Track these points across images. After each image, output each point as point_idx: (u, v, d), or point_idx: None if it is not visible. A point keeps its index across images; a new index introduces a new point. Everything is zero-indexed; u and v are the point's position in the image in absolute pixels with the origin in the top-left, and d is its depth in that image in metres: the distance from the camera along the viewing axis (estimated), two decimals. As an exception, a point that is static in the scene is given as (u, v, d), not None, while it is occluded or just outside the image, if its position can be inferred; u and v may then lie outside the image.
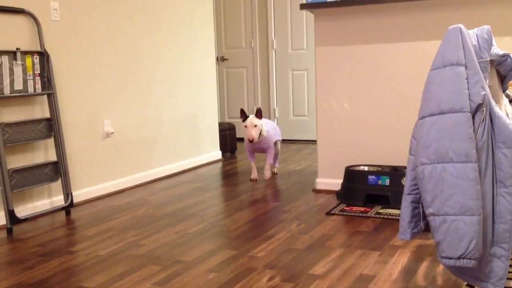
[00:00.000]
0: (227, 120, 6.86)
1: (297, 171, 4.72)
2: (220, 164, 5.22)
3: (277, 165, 4.63)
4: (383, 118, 3.76)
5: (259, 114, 4.17)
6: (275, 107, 6.63)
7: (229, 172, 4.81)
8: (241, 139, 6.73)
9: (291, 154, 5.64)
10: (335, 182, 3.88)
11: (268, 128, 4.31)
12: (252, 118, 4.14)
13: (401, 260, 2.52)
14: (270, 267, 2.48)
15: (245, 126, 4.12)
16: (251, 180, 4.34)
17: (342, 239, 2.84)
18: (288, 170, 4.80)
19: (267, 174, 4.31)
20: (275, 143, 4.44)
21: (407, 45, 3.65)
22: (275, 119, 6.66)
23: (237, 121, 6.72)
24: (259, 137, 4.14)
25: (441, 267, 2.40)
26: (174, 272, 2.44)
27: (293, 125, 6.57)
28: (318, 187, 3.98)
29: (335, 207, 3.47)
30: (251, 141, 4.07)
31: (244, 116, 4.17)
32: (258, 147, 4.26)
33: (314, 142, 6.26)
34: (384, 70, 3.73)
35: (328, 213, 3.33)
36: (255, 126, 4.09)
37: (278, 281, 2.31)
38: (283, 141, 6.61)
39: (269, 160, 4.34)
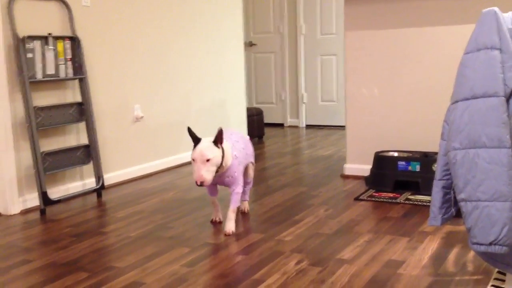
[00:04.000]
0: (254, 105, 6.85)
1: (325, 157, 4.70)
2: (248, 149, 5.23)
3: (247, 199, 3.14)
4: (414, 103, 3.71)
5: (219, 138, 2.60)
6: (303, 92, 6.59)
7: (257, 157, 4.82)
8: (270, 124, 6.73)
9: (319, 140, 5.61)
10: (363, 168, 3.85)
11: (235, 150, 2.79)
12: (204, 148, 2.55)
13: (430, 246, 2.49)
14: (298, 251, 2.48)
15: (193, 160, 2.56)
16: (212, 221, 2.94)
17: (370, 225, 2.82)
18: (316, 155, 4.79)
19: (229, 227, 2.74)
20: (246, 168, 3.01)
21: (440, 29, 3.57)
22: (303, 105, 6.62)
23: (265, 106, 6.72)
24: (218, 171, 2.64)
25: (471, 253, 2.37)
26: (203, 255, 2.47)
27: (321, 110, 6.53)
28: (346, 172, 3.95)
29: (364, 192, 3.44)
30: (200, 185, 2.54)
31: (193, 140, 2.63)
32: (219, 181, 2.78)
33: (342, 127, 6.22)
34: (415, 54, 3.67)
35: (357, 199, 3.32)
36: (208, 160, 2.54)
37: (305, 265, 2.31)
38: (310, 127, 6.58)
39: (233, 204, 2.78)
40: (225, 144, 2.69)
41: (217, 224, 2.90)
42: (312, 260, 2.36)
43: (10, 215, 3.21)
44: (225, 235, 2.71)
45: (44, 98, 3.43)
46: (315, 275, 2.21)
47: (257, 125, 5.75)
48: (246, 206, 3.14)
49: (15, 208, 3.26)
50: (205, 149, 2.55)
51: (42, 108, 3.33)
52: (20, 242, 2.74)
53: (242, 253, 2.49)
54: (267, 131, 6.26)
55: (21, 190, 3.30)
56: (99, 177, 3.62)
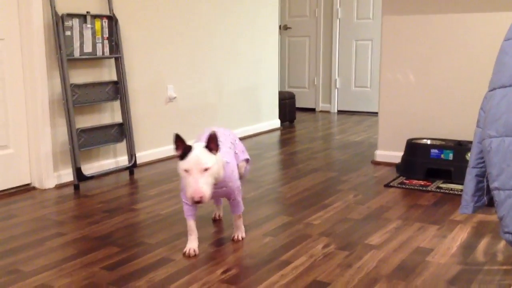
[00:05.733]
0: (287, 89, 6.83)
1: (356, 143, 4.67)
2: (278, 133, 5.24)
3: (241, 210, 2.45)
4: (449, 90, 3.63)
5: (213, 143, 2.11)
6: (337, 77, 6.53)
7: (287, 141, 4.82)
8: (301, 109, 6.70)
9: (351, 126, 5.57)
10: (395, 155, 3.81)
11: (226, 154, 2.29)
12: (201, 154, 2.07)
13: (460, 235, 2.46)
14: (326, 234, 2.49)
15: (186, 171, 2.06)
16: (185, 255, 2.27)
17: (400, 212, 2.80)
18: (347, 141, 4.76)
19: (239, 234, 2.45)
20: (241, 164, 2.50)
21: (479, 16, 3.48)
22: (336, 90, 6.56)
23: (297, 90, 6.69)
24: (216, 181, 2.17)
25: (502, 243, 2.33)
26: (231, 235, 2.50)
27: (354, 96, 6.47)
28: (377, 159, 3.92)
29: (394, 179, 3.41)
30: (197, 202, 2.04)
31: (181, 146, 2.11)
32: (215, 194, 2.25)
33: (374, 114, 6.15)
34: (453, 40, 3.58)
35: (387, 185, 3.29)
36: (206, 170, 2.06)
37: (333, 249, 2.32)
38: (342, 112, 6.52)
39: (237, 210, 2.41)
40: (219, 156, 2.18)
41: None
42: (340, 244, 2.36)
43: (45, 189, 3.30)
44: (233, 240, 2.43)
45: (80, 76, 3.49)
46: (342, 259, 2.21)
47: (288, 109, 5.73)
48: (220, 212, 2.74)
49: (50, 182, 3.35)
50: (202, 156, 2.05)
51: (79, 86, 3.39)
52: (54, 216, 2.82)
53: (270, 234, 2.50)
54: (299, 115, 6.24)
55: (56, 165, 3.39)
56: (132, 155, 3.69)
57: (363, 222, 2.65)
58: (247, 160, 2.54)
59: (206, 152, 2.08)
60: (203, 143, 2.12)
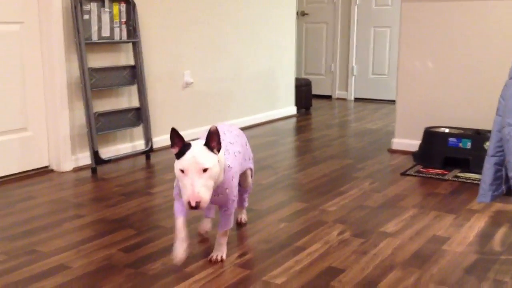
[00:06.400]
0: (303, 76, 6.80)
1: (372, 130, 4.64)
2: (294, 120, 5.22)
3: (245, 205, 2.47)
4: (468, 78, 3.59)
5: (213, 140, 1.82)
6: (354, 64, 6.48)
7: (303, 128, 4.81)
8: (317, 96, 6.67)
9: (367, 114, 5.53)
10: (412, 143, 3.78)
11: (228, 157, 2.00)
12: (199, 153, 1.78)
13: (477, 224, 2.44)
14: (341, 221, 2.48)
15: (181, 171, 1.78)
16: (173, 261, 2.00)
17: (416, 200, 2.78)
18: (364, 129, 4.73)
19: (219, 254, 2.08)
20: (244, 174, 2.26)
21: (499, 3, 3.42)
22: (353, 77, 6.51)
23: (313, 77, 6.65)
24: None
25: (520, 235, 2.31)
26: (247, 219, 2.51)
27: (372, 83, 6.41)
28: (394, 147, 3.89)
29: (411, 168, 3.39)
30: (194, 207, 1.74)
31: (179, 144, 1.82)
32: (212, 196, 1.92)
33: (392, 102, 6.09)
34: (473, 27, 3.53)
35: (403, 174, 3.27)
36: (205, 171, 1.77)
37: (348, 236, 2.32)
38: (359, 100, 6.48)
39: (226, 224, 2.08)
40: (221, 156, 1.89)
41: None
42: (355, 231, 2.36)
43: (63, 172, 3.34)
44: (211, 262, 2.05)
45: (98, 60, 3.51)
46: (357, 246, 2.21)
47: (304, 96, 5.71)
48: (243, 215, 2.48)
49: (68, 165, 3.38)
50: (201, 154, 1.77)
51: (96, 70, 3.41)
52: (72, 198, 2.85)
53: (285, 220, 2.51)
54: (315, 102, 6.20)
55: (74, 149, 3.42)
56: (148, 139, 3.71)
57: (378, 210, 2.64)
58: (250, 169, 2.29)
59: (205, 150, 1.79)
60: (203, 141, 1.83)
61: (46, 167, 3.38)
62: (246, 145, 2.24)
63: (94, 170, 3.35)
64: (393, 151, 3.85)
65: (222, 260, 2.07)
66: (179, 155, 1.79)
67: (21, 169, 3.25)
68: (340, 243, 2.24)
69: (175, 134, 1.80)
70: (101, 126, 3.45)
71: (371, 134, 4.48)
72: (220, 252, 2.09)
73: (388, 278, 1.93)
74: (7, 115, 3.15)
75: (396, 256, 2.11)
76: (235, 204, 2.07)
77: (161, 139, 4.01)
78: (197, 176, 1.75)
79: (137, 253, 2.15)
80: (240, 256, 2.12)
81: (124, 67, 3.59)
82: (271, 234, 2.34)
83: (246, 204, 2.49)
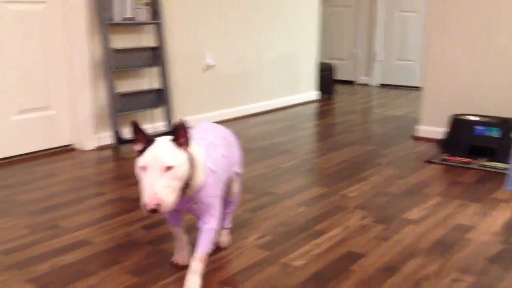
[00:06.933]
0: (326, 60, 6.71)
1: (396, 117, 4.57)
2: (316, 105, 5.17)
3: (227, 225, 2.03)
4: (498, 65, 3.49)
5: (181, 136, 1.58)
6: (378, 50, 6.37)
7: (325, 113, 4.76)
8: (339, 81, 6.59)
9: (391, 100, 5.44)
10: (437, 131, 3.71)
11: (210, 159, 1.72)
12: (161, 149, 1.53)
13: (503, 214, 2.38)
14: (362, 207, 2.45)
15: (141, 168, 1.53)
16: (172, 263, 1.89)
17: (440, 188, 2.73)
18: (387, 115, 4.66)
19: (191, 285, 1.68)
20: (231, 183, 1.96)
21: (534, -14, 3.31)
22: (377, 63, 6.41)
23: (336, 62, 6.56)
24: (184, 194, 1.62)
25: (547, 225, 2.25)
26: (265, 202, 2.49)
27: (396, 69, 6.31)
28: (418, 134, 3.82)
29: (436, 155, 3.33)
30: (153, 211, 1.48)
31: (142, 139, 1.57)
32: (183, 207, 1.71)
33: (416, 88, 5.99)
34: (502, 13, 3.42)
35: (428, 161, 3.21)
36: (168, 169, 1.51)
37: (369, 221, 2.28)
38: (383, 86, 6.38)
39: (204, 244, 1.71)
40: (195, 148, 1.64)
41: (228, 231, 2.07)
42: (377, 218, 2.33)
43: (85, 151, 3.36)
44: None
45: (121, 41, 3.50)
46: (378, 231, 2.18)
47: (327, 81, 5.63)
48: (225, 238, 2.01)
49: (90, 144, 3.40)
50: (163, 150, 1.51)
51: (119, 51, 3.40)
52: (93, 176, 2.86)
53: (305, 204, 2.48)
54: (337, 88, 6.13)
55: (96, 128, 3.44)
56: (169, 121, 3.70)
57: (401, 197, 2.60)
58: (237, 174, 1.96)
59: (170, 146, 1.53)
60: (169, 136, 1.58)
61: (69, 145, 3.41)
62: (234, 145, 1.93)
63: (115, 150, 3.36)
64: (417, 138, 3.78)
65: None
66: (142, 149, 1.54)
67: (44, 146, 3.27)
68: (361, 228, 2.21)
69: (137, 129, 1.55)
70: (123, 106, 3.45)
71: (395, 121, 4.41)
72: (193, 283, 1.67)
73: (409, 264, 1.90)
74: (31, 93, 3.17)
75: (418, 243, 2.07)
76: (216, 220, 1.71)
77: (182, 121, 4.00)
78: (158, 175, 1.48)
79: (157, 231, 2.15)
80: (259, 237, 2.10)
81: (146, 49, 3.58)
82: (290, 218, 2.32)
83: (228, 224, 2.01)
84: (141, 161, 1.51)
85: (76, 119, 3.37)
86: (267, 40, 4.71)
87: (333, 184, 2.77)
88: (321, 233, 2.16)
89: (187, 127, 1.55)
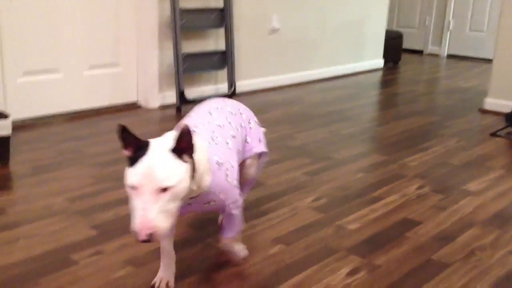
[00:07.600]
0: (395, 28, 6.52)
1: (464, 89, 4.41)
2: (381, 73, 5.06)
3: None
4: None
5: (185, 144, 1.26)
6: (451, 19, 6.11)
7: (390, 82, 4.66)
8: (407, 50, 6.39)
9: (460, 71, 5.25)
10: (505, 104, 3.56)
11: (216, 150, 1.44)
12: (157, 164, 1.22)
13: None
14: (421, 176, 2.42)
15: (132, 188, 1.21)
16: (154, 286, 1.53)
17: (504, 161, 2.64)
18: (455, 86, 4.50)
19: (235, 257, 1.63)
20: (251, 160, 1.71)
21: None
22: (448, 33, 6.15)
23: (405, 30, 6.36)
24: (193, 194, 1.35)
25: None
26: (324, 166, 2.51)
27: (468, 40, 6.04)
28: (486, 107, 3.69)
29: (502, 129, 3.21)
30: (146, 241, 1.19)
31: (132, 144, 1.26)
32: (193, 208, 1.46)
33: (488, 60, 5.73)
34: None
35: (493, 134, 3.10)
36: (165, 190, 1.21)
37: (427, 191, 2.25)
38: (452, 57, 6.13)
39: (231, 228, 1.57)
40: (197, 145, 1.34)
41: None
42: (435, 187, 2.29)
43: (150, 109, 3.47)
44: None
45: (189, 1, 3.55)
46: (436, 201, 2.15)
47: (394, 49, 5.49)
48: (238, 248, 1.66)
49: (155, 102, 3.51)
50: (160, 166, 1.22)
51: (187, 11, 3.46)
52: (157, 134, 2.94)
53: (363, 170, 2.48)
54: (404, 57, 5.96)
55: (161, 87, 3.54)
56: (231, 83, 3.75)
57: (462, 168, 2.54)
58: (260, 155, 1.73)
59: (169, 159, 1.24)
60: (168, 142, 1.28)
61: (134, 102, 3.53)
62: (250, 122, 1.69)
63: (178, 109, 3.45)
64: (484, 111, 3.65)
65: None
66: (133, 161, 1.24)
67: (111, 102, 3.41)
68: (419, 197, 2.19)
69: (124, 132, 1.25)
70: (188, 67, 3.52)
71: (463, 93, 4.26)
72: (236, 252, 1.59)
73: (465, 234, 1.87)
74: (101, 50, 3.29)
75: (476, 214, 2.04)
76: (238, 199, 1.50)
77: (244, 84, 4.04)
78: (151, 198, 1.20)
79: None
80: (315, 200, 2.13)
81: (212, 10, 3.61)
82: (347, 183, 2.33)
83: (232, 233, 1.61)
84: (130, 179, 1.21)
85: (142, 77, 3.48)
86: (333, 5, 4.63)
87: (393, 153, 2.74)
88: (378, 199, 2.16)
89: (191, 134, 1.24)
